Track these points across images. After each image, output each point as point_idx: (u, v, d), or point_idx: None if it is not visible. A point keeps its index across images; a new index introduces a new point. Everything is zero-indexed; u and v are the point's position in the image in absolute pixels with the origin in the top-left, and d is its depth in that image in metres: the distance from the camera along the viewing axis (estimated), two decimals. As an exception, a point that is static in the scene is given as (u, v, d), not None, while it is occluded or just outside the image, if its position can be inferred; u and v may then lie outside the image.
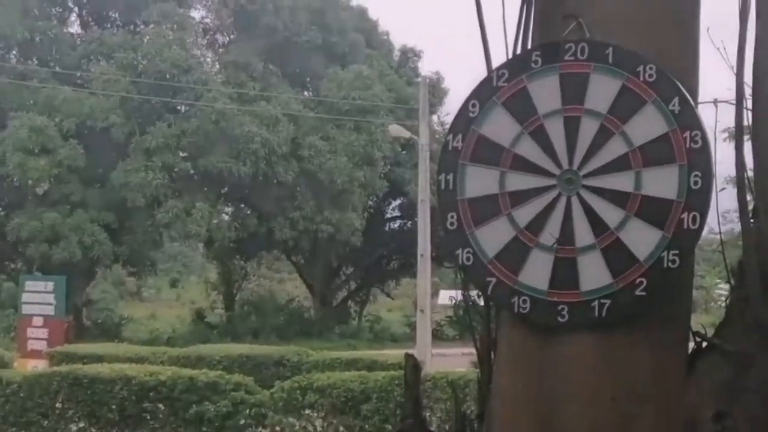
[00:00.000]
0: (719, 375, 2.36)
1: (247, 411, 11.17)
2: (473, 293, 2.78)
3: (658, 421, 2.32)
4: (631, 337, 2.32)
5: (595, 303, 2.31)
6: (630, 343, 2.32)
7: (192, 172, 33.39)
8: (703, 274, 27.96)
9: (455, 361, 18.71)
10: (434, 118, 36.02)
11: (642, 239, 2.30)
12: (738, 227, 2.42)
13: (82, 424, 11.48)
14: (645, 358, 2.32)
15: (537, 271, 2.37)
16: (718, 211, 2.50)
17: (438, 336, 33.95)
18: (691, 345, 2.45)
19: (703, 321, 2.56)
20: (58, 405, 11.62)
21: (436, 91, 37.01)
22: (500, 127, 2.44)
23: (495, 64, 2.57)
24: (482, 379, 2.63)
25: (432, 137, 26.11)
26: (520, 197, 2.41)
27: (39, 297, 20.43)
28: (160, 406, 11.31)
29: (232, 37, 38.17)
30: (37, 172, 30.75)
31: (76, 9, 37.88)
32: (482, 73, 2.53)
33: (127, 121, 32.27)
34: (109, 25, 36.66)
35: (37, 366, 16.87)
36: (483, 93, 2.48)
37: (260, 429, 11.12)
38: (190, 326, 39.29)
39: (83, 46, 35.27)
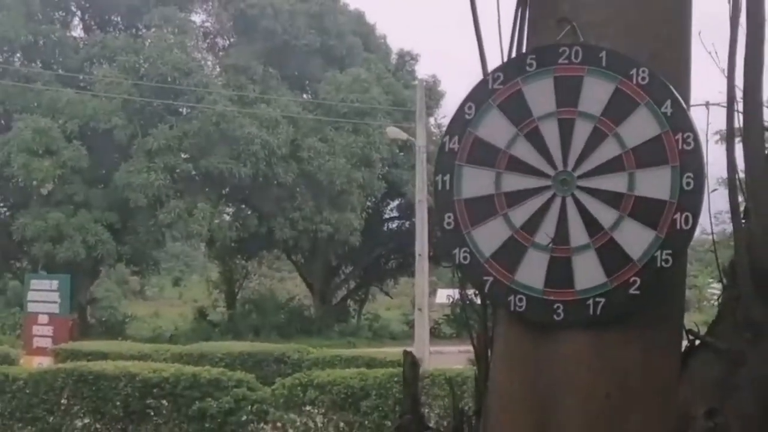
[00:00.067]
0: (711, 372, 2.38)
1: (249, 407, 11.23)
2: (470, 292, 2.81)
3: (652, 417, 2.34)
4: (626, 335, 2.34)
5: (590, 301, 2.32)
6: (624, 341, 2.34)
7: (193, 173, 33.46)
8: (696, 274, 28.02)
9: (453, 358, 18.78)
10: (431, 120, 36.18)
11: (635, 239, 2.32)
12: (730, 228, 2.44)
13: (86, 420, 11.54)
14: (639, 355, 2.34)
15: (533, 270, 2.39)
16: (710, 212, 2.53)
17: (436, 334, 34.04)
18: (685, 343, 2.47)
19: (696, 319, 2.58)
20: (63, 401, 11.70)
21: (432, 93, 37.13)
22: (496, 128, 2.46)
23: (490, 67, 2.59)
24: (479, 376, 2.65)
25: (429, 139, 26.19)
26: (515, 198, 2.42)
27: (44, 295, 20.49)
28: (164, 402, 11.38)
29: (232, 40, 38.22)
30: (42, 173, 30.83)
31: (78, 13, 37.96)
32: (478, 76, 2.55)
33: (129, 122, 32.34)
34: (111, 29, 36.72)
35: (43, 363, 16.94)
36: (479, 95, 2.50)
37: (262, 425, 11.18)
38: (193, 324, 39.39)
39: (86, 50, 35.33)
